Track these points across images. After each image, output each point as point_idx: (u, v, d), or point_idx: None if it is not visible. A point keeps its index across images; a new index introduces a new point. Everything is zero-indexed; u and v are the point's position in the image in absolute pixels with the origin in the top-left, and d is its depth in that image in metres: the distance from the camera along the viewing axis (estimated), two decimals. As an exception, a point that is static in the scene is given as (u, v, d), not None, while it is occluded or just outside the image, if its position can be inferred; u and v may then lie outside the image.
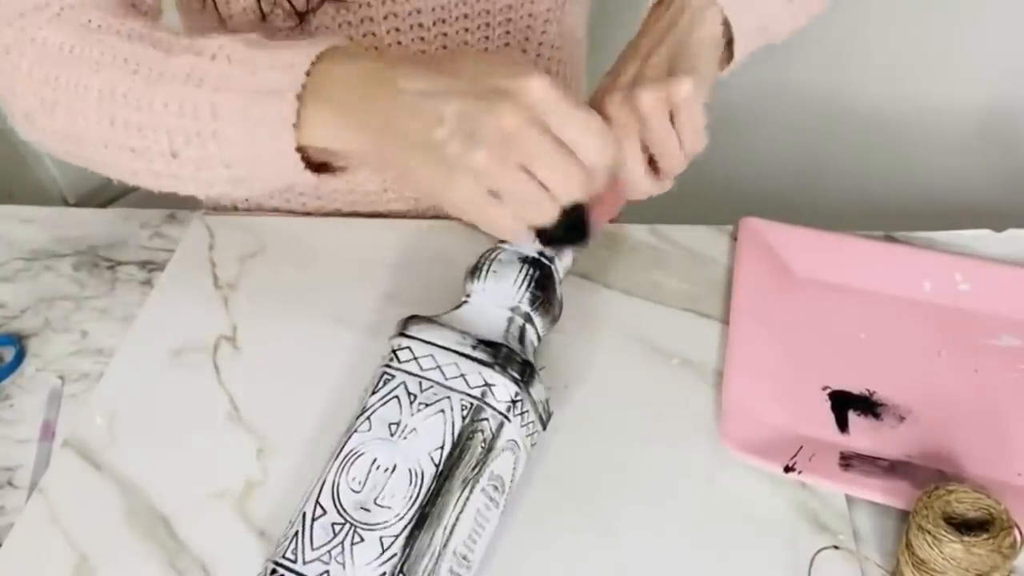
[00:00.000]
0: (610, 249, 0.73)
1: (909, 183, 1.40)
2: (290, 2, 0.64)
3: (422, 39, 0.71)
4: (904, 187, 1.39)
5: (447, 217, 0.81)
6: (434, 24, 0.70)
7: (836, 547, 0.53)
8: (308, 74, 0.46)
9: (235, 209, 0.85)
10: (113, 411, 0.63)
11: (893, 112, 1.38)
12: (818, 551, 0.53)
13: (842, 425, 0.60)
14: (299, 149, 0.47)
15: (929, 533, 0.47)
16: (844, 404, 0.61)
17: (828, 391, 0.62)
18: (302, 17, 0.65)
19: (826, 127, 1.41)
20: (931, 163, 1.40)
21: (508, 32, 0.73)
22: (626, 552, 0.54)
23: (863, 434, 0.59)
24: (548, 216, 0.46)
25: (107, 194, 1.49)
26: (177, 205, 0.80)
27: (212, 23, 0.68)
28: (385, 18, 0.69)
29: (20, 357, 0.68)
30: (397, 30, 0.70)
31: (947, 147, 1.39)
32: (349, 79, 0.46)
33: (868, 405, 0.61)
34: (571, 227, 0.49)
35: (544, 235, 0.50)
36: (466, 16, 0.70)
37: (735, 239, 0.73)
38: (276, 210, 0.83)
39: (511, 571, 0.54)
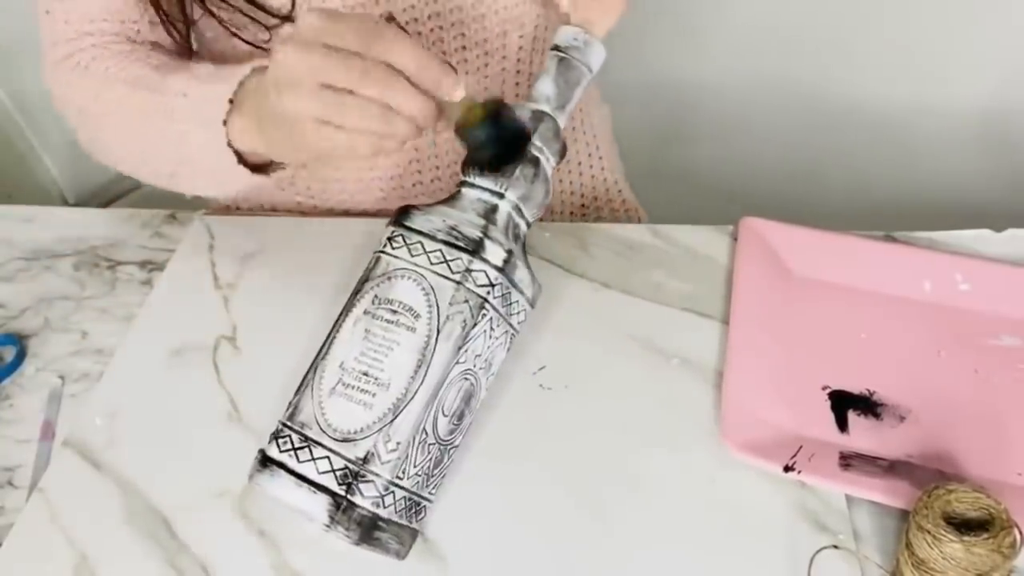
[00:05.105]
0: (610, 249, 0.73)
1: (909, 183, 1.40)
2: (253, 18, 0.67)
3: None
4: (904, 187, 1.39)
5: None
6: (407, 24, 0.70)
7: (836, 547, 0.53)
8: (236, 90, 0.57)
9: (236, 209, 0.85)
10: (113, 411, 0.63)
11: (893, 112, 1.38)
12: (818, 551, 0.53)
13: (842, 425, 0.60)
14: (236, 150, 0.59)
15: (929, 533, 0.47)
16: (844, 404, 0.61)
17: (828, 391, 0.62)
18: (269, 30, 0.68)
19: (826, 127, 1.41)
20: (931, 163, 1.40)
21: (484, 27, 0.73)
22: (626, 552, 0.54)
23: (863, 434, 0.59)
24: (400, 128, 0.50)
25: (107, 194, 1.49)
26: (177, 205, 0.80)
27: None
28: None
29: (20, 357, 0.68)
30: None
31: (947, 147, 1.39)
32: (252, 90, 0.57)
33: (868, 405, 0.61)
34: (493, 137, 0.53)
35: (477, 157, 0.55)
36: (438, 15, 0.70)
37: (735, 239, 0.73)
38: (275, 210, 0.83)
39: (511, 570, 0.54)
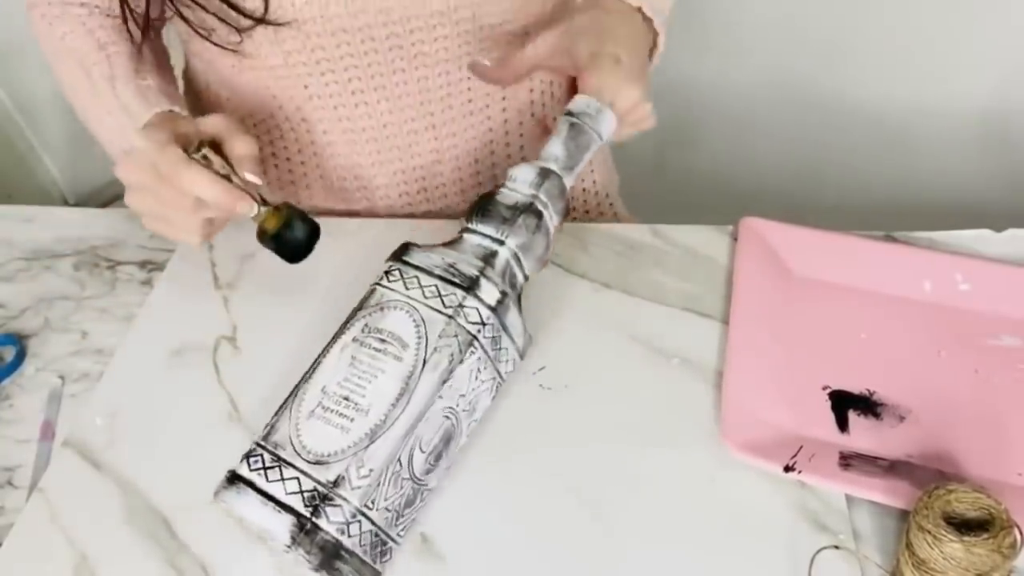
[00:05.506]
0: (611, 249, 0.73)
1: (909, 183, 1.40)
2: (228, 23, 0.67)
3: (375, 51, 0.71)
4: (904, 187, 1.39)
5: (446, 218, 0.81)
6: (387, 38, 0.70)
7: (836, 547, 0.53)
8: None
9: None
10: (113, 411, 0.63)
11: (893, 112, 1.38)
12: (818, 551, 0.53)
13: (842, 425, 0.60)
14: None
15: (929, 533, 0.47)
16: (844, 404, 0.61)
17: (828, 391, 0.62)
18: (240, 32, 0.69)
19: (826, 127, 1.41)
20: (931, 163, 1.40)
21: (463, 32, 0.72)
22: (626, 552, 0.54)
23: (863, 434, 0.59)
24: (187, 226, 0.63)
25: (107, 194, 1.49)
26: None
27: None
28: (333, 34, 0.69)
29: (20, 357, 0.68)
30: (348, 44, 0.70)
31: (947, 147, 1.39)
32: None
33: (868, 405, 0.61)
34: (288, 231, 0.62)
35: (273, 242, 0.62)
36: (421, 28, 0.70)
37: (735, 239, 0.73)
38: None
39: (511, 570, 0.54)
